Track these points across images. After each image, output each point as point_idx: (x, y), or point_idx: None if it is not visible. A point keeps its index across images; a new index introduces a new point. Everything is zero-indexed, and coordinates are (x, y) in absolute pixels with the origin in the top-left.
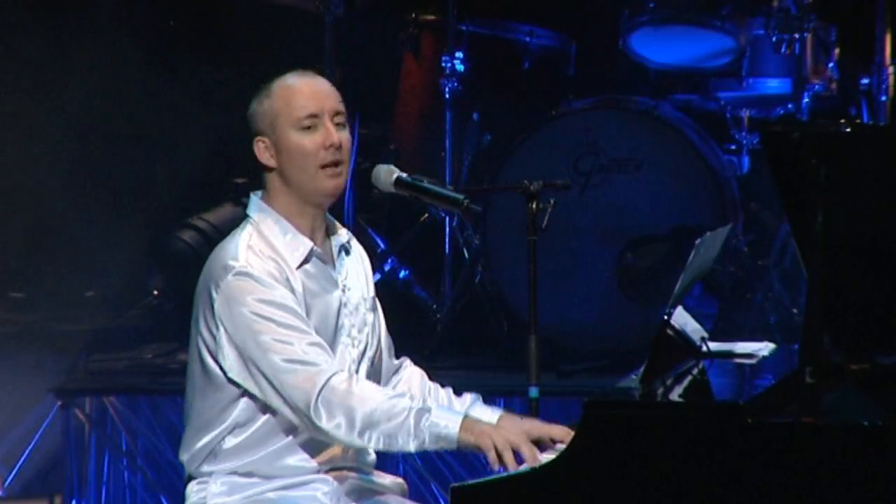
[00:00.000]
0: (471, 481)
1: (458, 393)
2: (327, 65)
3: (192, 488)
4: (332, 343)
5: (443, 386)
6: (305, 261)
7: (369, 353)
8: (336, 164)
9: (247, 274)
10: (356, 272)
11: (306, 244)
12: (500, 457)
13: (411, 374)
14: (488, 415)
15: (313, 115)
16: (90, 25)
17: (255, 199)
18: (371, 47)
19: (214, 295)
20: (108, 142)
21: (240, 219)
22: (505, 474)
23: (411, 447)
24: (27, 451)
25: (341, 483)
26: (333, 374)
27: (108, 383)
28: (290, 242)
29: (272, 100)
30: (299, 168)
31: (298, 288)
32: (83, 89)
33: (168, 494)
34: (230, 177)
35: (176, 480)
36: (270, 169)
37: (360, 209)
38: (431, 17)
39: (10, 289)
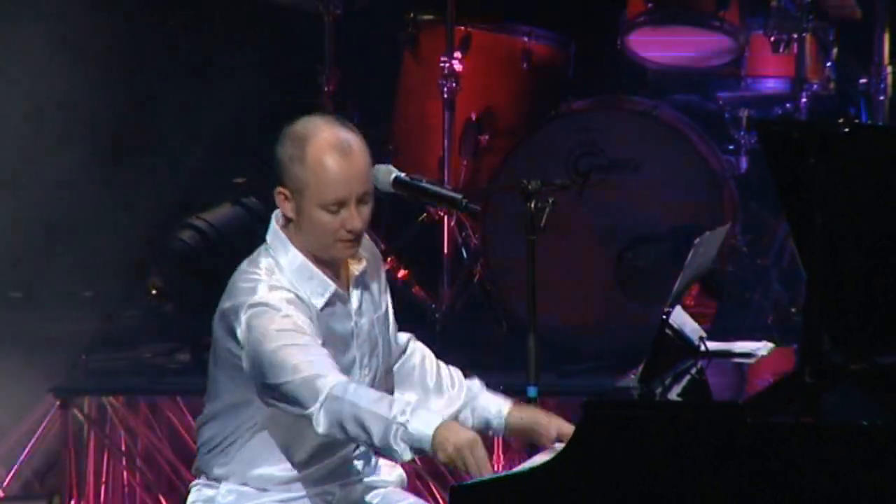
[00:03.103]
0: (470, 481)
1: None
2: (327, 65)
3: (200, 488)
4: (345, 374)
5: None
6: (328, 304)
7: (380, 375)
8: (353, 239)
9: (265, 304)
10: (369, 294)
11: (329, 287)
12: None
13: (423, 359)
14: (496, 401)
15: (341, 202)
16: (88, 23)
17: (274, 227)
18: (371, 47)
19: (235, 325)
20: (108, 142)
21: (239, 219)
22: (503, 474)
23: (404, 458)
24: (26, 451)
25: (349, 491)
26: (335, 385)
27: (108, 383)
28: (315, 287)
29: (304, 170)
30: (315, 236)
31: (318, 323)
32: (83, 90)
33: (167, 495)
34: (230, 177)
35: (175, 481)
36: (288, 219)
37: None
38: (431, 17)
39: (9, 288)
